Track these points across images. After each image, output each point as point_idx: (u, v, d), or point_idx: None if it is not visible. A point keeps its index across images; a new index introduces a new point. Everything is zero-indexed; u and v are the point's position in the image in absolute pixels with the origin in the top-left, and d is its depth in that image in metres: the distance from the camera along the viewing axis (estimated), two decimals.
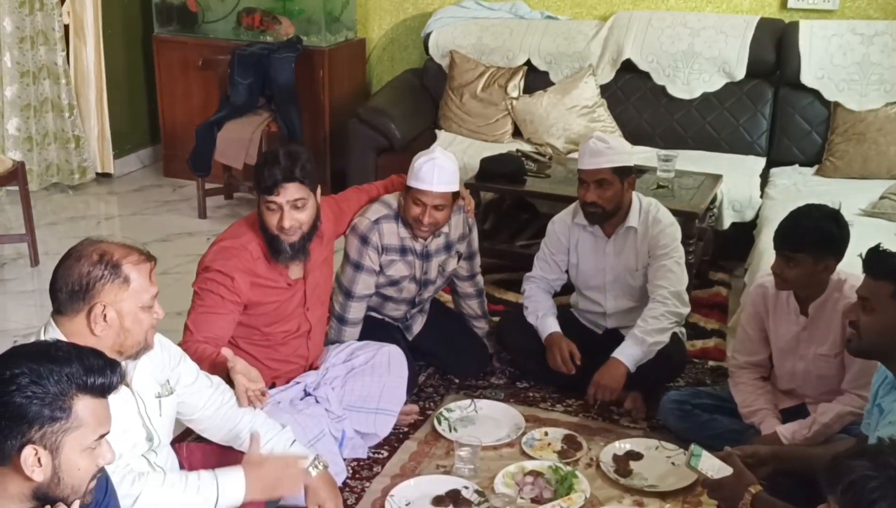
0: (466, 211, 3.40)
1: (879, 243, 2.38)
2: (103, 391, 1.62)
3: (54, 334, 1.99)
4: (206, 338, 2.66)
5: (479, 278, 3.59)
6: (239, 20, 5.58)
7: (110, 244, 2.04)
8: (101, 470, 1.68)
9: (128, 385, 2.13)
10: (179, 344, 2.51)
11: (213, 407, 2.40)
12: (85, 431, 1.59)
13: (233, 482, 2.19)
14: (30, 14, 5.15)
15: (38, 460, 1.56)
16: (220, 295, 2.73)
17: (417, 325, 3.51)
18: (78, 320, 2.00)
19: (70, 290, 1.98)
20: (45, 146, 5.37)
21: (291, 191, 2.73)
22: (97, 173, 5.66)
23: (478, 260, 3.56)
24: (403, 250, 3.25)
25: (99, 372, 1.61)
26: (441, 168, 3.09)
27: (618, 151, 3.23)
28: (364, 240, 3.19)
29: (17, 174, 4.42)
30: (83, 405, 1.59)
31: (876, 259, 2.34)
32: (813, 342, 2.83)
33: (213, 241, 2.90)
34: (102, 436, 1.63)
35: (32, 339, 1.94)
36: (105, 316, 1.99)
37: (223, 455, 2.44)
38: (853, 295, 2.43)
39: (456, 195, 3.20)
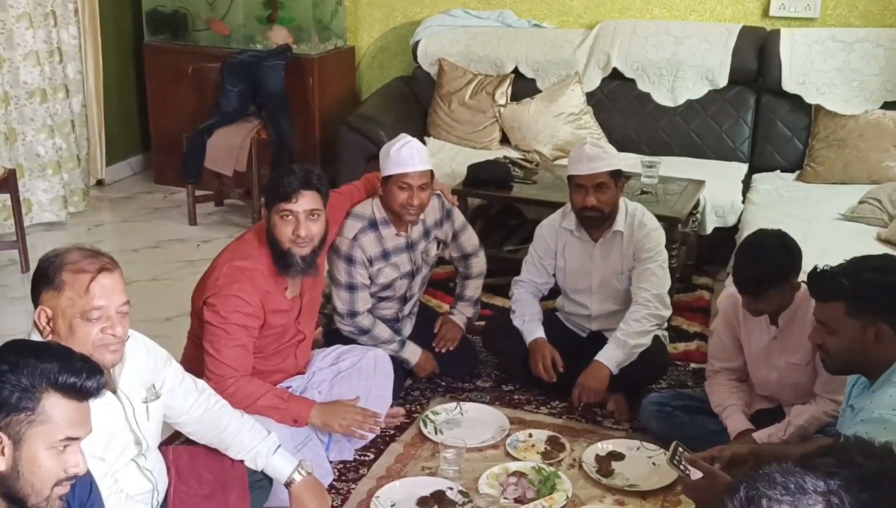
0: (444, 197, 3.46)
1: (816, 266, 2.31)
2: (76, 392, 1.62)
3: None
4: (247, 373, 2.78)
5: (474, 261, 3.59)
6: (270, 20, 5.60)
7: None
8: (72, 479, 1.65)
9: (114, 391, 2.15)
10: (222, 384, 2.65)
11: (199, 411, 2.43)
12: (51, 428, 1.59)
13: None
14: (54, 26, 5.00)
15: (2, 449, 1.57)
16: (244, 325, 2.75)
17: (407, 329, 3.54)
18: None
19: None
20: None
21: (308, 199, 2.76)
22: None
23: (464, 241, 3.54)
24: (386, 255, 3.29)
25: (74, 373, 1.61)
26: (417, 149, 3.19)
27: (612, 154, 3.32)
28: (350, 260, 3.23)
29: (7, 181, 4.46)
30: (53, 401, 1.59)
31: (820, 282, 2.26)
32: (784, 351, 2.86)
33: (219, 259, 2.87)
34: (72, 439, 1.62)
35: None
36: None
37: (210, 459, 2.48)
38: None
39: (432, 174, 3.26)
